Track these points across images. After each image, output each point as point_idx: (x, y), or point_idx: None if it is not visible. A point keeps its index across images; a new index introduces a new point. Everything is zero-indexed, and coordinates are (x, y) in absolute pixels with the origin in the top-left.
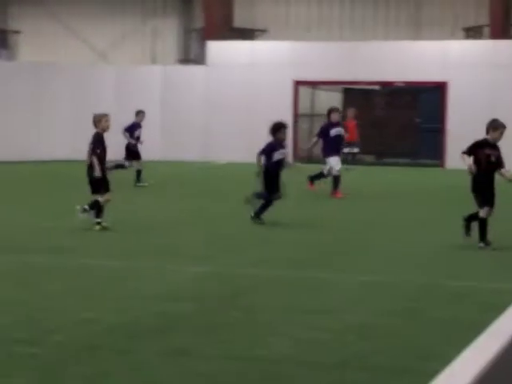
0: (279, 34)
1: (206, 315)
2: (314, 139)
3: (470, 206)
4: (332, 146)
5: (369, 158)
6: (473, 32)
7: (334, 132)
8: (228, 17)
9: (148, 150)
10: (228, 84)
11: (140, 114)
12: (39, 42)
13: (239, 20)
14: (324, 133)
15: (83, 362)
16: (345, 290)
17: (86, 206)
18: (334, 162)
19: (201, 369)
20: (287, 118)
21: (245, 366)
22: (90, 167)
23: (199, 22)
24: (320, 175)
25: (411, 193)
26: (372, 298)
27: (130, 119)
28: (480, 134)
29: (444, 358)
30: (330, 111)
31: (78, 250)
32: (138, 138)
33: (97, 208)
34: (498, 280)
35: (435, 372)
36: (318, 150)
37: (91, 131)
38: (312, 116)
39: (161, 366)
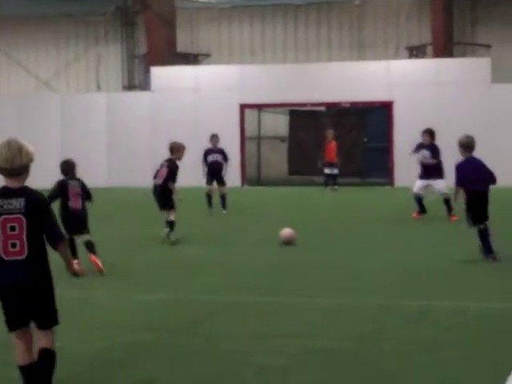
0: (223, 57)
1: (168, 345)
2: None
3: (420, 225)
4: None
5: (318, 178)
6: (416, 51)
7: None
8: (171, 42)
9: (95, 176)
10: (174, 109)
11: (213, 138)
12: None
13: (182, 45)
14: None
15: None
16: (304, 315)
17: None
18: (416, 184)
19: None
20: (234, 142)
21: None
22: (165, 189)
23: (142, 48)
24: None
25: (362, 213)
26: (332, 321)
27: (76, 146)
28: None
29: (407, 381)
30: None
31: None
32: (214, 163)
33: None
34: (455, 298)
35: None
36: (267, 173)
37: (39, 159)
38: (259, 139)
39: None
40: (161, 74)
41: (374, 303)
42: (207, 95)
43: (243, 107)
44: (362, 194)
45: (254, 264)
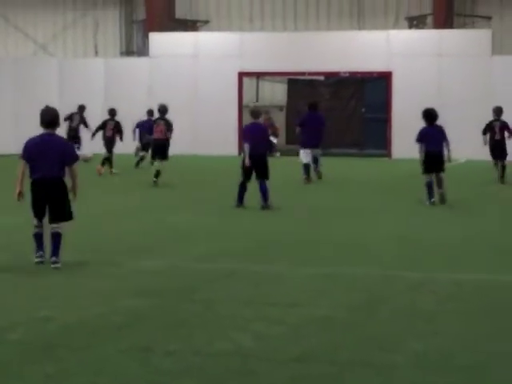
0: (222, 24)
1: (166, 310)
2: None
3: (419, 195)
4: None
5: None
6: (416, 21)
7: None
8: (170, 8)
9: (91, 143)
10: (172, 76)
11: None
12: None
13: (181, 11)
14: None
15: (43, 361)
16: (302, 283)
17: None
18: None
19: (164, 365)
20: (232, 110)
21: (207, 362)
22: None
23: (141, 13)
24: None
25: (360, 184)
26: (330, 290)
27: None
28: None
29: (406, 350)
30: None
31: (28, 247)
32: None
33: None
34: (454, 270)
35: (399, 364)
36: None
37: (34, 124)
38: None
39: (124, 363)
40: (159, 40)
41: (372, 273)
42: (206, 62)
43: (242, 75)
44: (359, 164)
45: (251, 231)
